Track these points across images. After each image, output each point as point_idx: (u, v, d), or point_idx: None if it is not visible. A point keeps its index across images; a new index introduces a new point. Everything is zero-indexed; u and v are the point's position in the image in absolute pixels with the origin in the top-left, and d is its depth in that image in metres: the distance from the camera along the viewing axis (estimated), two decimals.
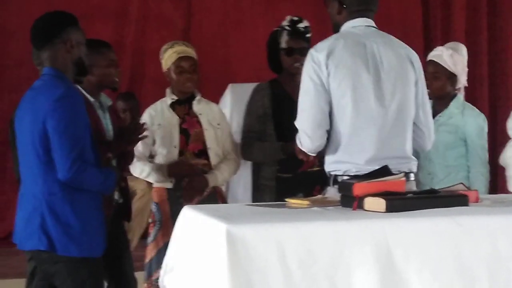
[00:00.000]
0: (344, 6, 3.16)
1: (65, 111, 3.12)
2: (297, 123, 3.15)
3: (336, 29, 3.22)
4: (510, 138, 4.04)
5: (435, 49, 4.39)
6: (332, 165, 3.12)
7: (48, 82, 3.22)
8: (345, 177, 3.02)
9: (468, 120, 4.23)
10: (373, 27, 3.19)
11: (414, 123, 3.18)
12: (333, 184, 3.09)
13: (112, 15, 5.87)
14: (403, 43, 3.23)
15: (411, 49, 3.23)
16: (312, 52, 3.11)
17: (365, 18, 3.16)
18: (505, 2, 6.31)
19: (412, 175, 3.15)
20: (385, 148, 3.06)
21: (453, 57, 4.29)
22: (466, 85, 4.36)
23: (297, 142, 3.18)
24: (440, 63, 4.25)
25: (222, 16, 6.03)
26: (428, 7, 6.32)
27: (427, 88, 4.14)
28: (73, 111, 3.14)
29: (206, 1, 6.01)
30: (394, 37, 3.22)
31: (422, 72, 3.23)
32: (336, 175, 3.09)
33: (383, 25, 6.23)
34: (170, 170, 4.03)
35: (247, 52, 5.93)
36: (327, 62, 3.04)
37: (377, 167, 2.95)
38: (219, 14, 6.02)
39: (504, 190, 4.20)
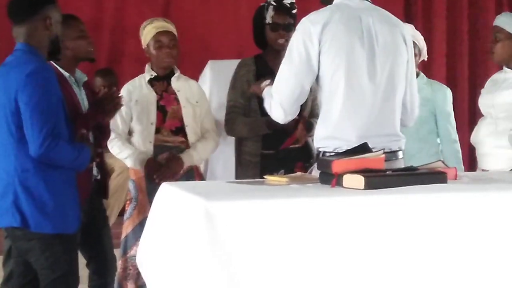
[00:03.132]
0: None
1: (37, 86, 3.09)
2: (274, 92, 3.07)
3: (325, 1, 3.14)
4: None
5: None
6: (322, 141, 3.06)
7: (20, 57, 3.19)
8: (333, 154, 2.96)
9: (437, 92, 4.36)
10: (368, 1, 3.12)
11: None
12: None
13: None
14: (398, 19, 3.18)
15: (404, 26, 3.20)
16: (305, 22, 3.02)
17: None
18: None
19: (401, 153, 3.12)
20: (376, 125, 3.03)
21: (416, 32, 4.35)
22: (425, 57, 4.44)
23: (267, 107, 3.12)
24: (414, 40, 4.29)
25: None
26: None
27: None
28: (44, 86, 3.11)
29: None
30: (389, 13, 3.17)
31: (413, 50, 3.20)
32: (325, 152, 3.03)
33: None
34: (146, 167, 4.00)
35: (228, 29, 5.90)
36: (321, 36, 2.96)
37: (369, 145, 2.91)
38: None
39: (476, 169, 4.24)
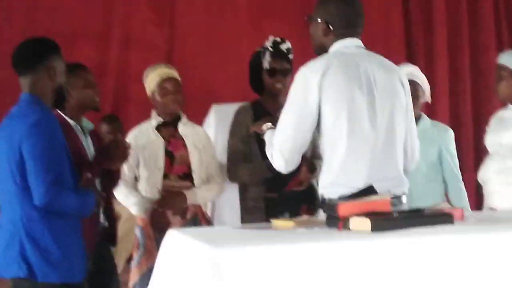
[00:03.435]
0: (331, 27, 3.12)
1: (41, 136, 3.11)
2: (275, 142, 3.06)
3: (319, 50, 3.17)
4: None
5: (403, 69, 4.44)
6: (327, 188, 3.03)
7: (24, 108, 3.21)
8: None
9: (442, 133, 4.38)
10: (363, 47, 3.15)
11: None
12: None
13: (95, 37, 5.85)
14: (394, 64, 3.20)
15: (400, 70, 3.22)
16: (304, 71, 3.03)
17: (354, 39, 3.13)
18: (485, 17, 6.35)
19: (404, 197, 3.09)
20: (380, 169, 3.01)
21: (421, 74, 4.38)
22: (429, 100, 4.46)
23: (268, 155, 3.10)
24: (419, 82, 4.32)
25: (205, 38, 6.03)
26: (409, 25, 6.36)
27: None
28: (49, 135, 3.13)
29: (189, 23, 6.01)
30: (385, 58, 3.19)
31: (410, 94, 3.21)
32: (330, 199, 2.98)
33: (365, 42, 6.27)
34: (151, 219, 4.01)
35: (230, 73, 5.92)
36: (321, 84, 2.97)
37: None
38: (201, 35, 6.02)
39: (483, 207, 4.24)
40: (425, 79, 4.42)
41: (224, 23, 6.09)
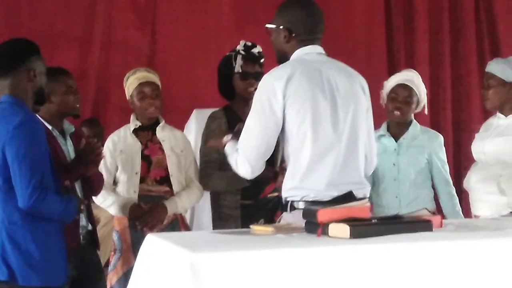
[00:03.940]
0: (293, 34, 3.17)
1: (24, 138, 3.09)
2: (240, 148, 3.11)
3: (281, 57, 3.23)
4: (473, 162, 4.08)
5: (402, 73, 4.44)
6: (290, 191, 3.11)
7: (5, 110, 3.19)
8: (301, 203, 3.04)
9: (432, 139, 4.37)
10: (324, 54, 3.21)
11: None
12: (290, 210, 3.09)
13: (76, 41, 5.82)
14: (354, 70, 3.27)
15: (361, 76, 3.28)
16: (268, 78, 3.09)
17: (315, 45, 3.19)
18: (467, 26, 6.39)
19: (366, 200, 3.16)
20: (342, 173, 3.08)
21: (421, 82, 4.37)
22: (426, 111, 4.44)
23: (232, 163, 3.15)
24: (413, 87, 4.32)
25: (187, 42, 6.02)
26: (391, 32, 6.39)
27: (398, 111, 4.26)
28: (32, 138, 3.12)
29: (171, 27, 6.00)
30: (345, 64, 3.26)
31: (370, 99, 3.27)
32: (292, 201, 3.08)
33: (347, 50, 6.31)
34: (130, 214, 3.99)
35: (213, 77, 5.91)
36: (285, 90, 3.03)
37: (335, 193, 3.02)
38: (184, 39, 6.01)
39: (469, 214, 4.24)
40: (423, 88, 4.38)
41: (206, 27, 6.08)
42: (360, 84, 3.21)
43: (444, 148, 4.41)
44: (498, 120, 3.97)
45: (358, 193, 3.10)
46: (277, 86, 3.04)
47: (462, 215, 4.37)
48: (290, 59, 3.18)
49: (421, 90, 4.36)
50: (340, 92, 3.11)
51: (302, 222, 2.81)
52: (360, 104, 3.17)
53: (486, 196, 3.85)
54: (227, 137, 3.26)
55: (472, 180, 3.95)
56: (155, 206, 3.98)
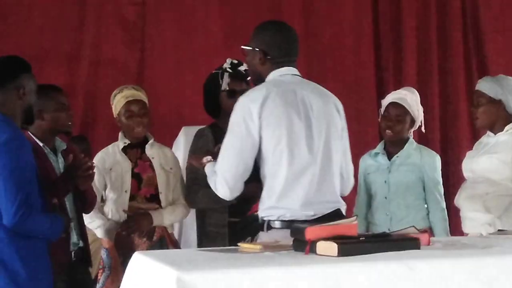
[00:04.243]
0: (268, 57, 3.21)
1: (11, 156, 3.09)
2: (218, 170, 3.16)
3: (256, 78, 3.28)
4: (463, 180, 4.09)
5: (396, 92, 4.46)
6: (267, 211, 3.16)
7: None
8: (278, 223, 3.10)
9: (426, 158, 4.35)
10: (298, 75, 3.25)
11: None
12: (267, 230, 3.13)
13: (64, 58, 5.82)
14: (328, 91, 3.31)
15: (335, 97, 3.31)
16: (244, 101, 3.14)
17: (290, 67, 3.24)
18: (454, 45, 6.42)
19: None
20: (318, 193, 3.13)
21: (415, 100, 4.38)
22: (423, 128, 4.44)
23: (211, 184, 3.20)
24: (405, 106, 4.32)
25: (176, 60, 6.02)
26: (380, 49, 6.42)
27: (389, 129, 4.26)
28: (19, 155, 3.11)
29: (160, 45, 6.00)
30: (319, 85, 3.30)
31: (345, 120, 3.30)
32: (269, 221, 3.13)
33: (336, 67, 6.32)
34: (116, 242, 3.98)
35: (201, 96, 5.93)
36: (260, 112, 3.08)
37: (311, 212, 3.07)
38: (173, 57, 6.01)
39: (458, 231, 4.24)
40: (418, 105, 4.38)
41: (195, 45, 6.09)
42: (334, 104, 3.26)
43: (439, 168, 4.38)
44: (488, 139, 3.98)
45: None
46: (252, 108, 3.09)
47: (450, 235, 4.35)
48: (266, 80, 3.22)
49: (414, 108, 4.35)
50: (314, 113, 3.16)
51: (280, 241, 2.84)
52: (334, 124, 3.21)
53: (473, 214, 3.86)
54: (206, 159, 3.30)
55: (461, 198, 3.96)
56: (140, 214, 3.97)
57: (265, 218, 3.15)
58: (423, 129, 4.45)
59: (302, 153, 3.11)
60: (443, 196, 4.37)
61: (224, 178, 3.13)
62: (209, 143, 3.99)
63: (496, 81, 3.93)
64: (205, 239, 3.99)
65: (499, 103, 3.89)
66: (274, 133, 3.09)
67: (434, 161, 4.38)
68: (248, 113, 3.09)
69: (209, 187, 3.89)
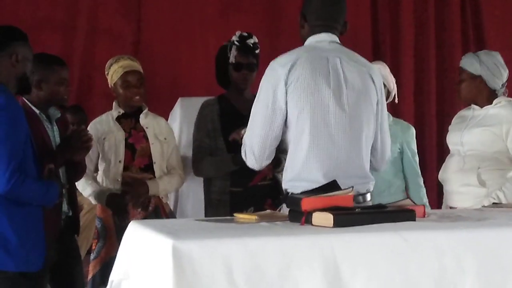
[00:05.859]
0: (307, 21, 3.15)
1: (3, 123, 3.08)
2: (246, 138, 3.08)
3: (304, 42, 3.19)
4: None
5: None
6: (290, 182, 3.05)
7: None
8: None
9: (405, 131, 4.43)
10: (337, 43, 3.14)
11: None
12: None
13: (60, 28, 5.79)
14: (367, 61, 3.19)
15: (374, 67, 3.22)
16: (273, 65, 3.05)
17: (329, 33, 3.13)
18: (452, 20, 6.41)
19: (369, 195, 3.11)
20: (344, 166, 3.02)
21: (389, 72, 4.40)
22: (396, 100, 4.45)
23: (242, 154, 3.13)
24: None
25: (172, 30, 6.00)
26: (377, 24, 6.39)
27: None
28: (12, 122, 3.10)
29: (156, 15, 5.97)
30: (358, 55, 3.19)
31: (383, 91, 3.22)
32: (293, 193, 2.97)
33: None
34: (108, 202, 3.98)
35: (197, 66, 5.90)
36: (287, 77, 2.98)
37: None
38: (169, 27, 5.98)
39: (441, 206, 4.28)
40: (391, 78, 4.42)
41: (191, 16, 6.06)
42: (371, 76, 3.12)
43: (415, 140, 4.47)
44: (473, 111, 4.03)
45: (361, 188, 3.03)
46: (280, 72, 2.99)
47: (429, 206, 4.40)
48: (304, 45, 3.15)
49: (389, 80, 4.38)
50: (348, 81, 3.04)
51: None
52: (369, 96, 3.09)
53: (463, 188, 3.88)
54: (244, 130, 3.21)
55: (449, 172, 3.99)
56: (136, 182, 3.96)
57: (288, 190, 3.03)
58: (396, 101, 4.46)
59: (328, 124, 2.99)
60: (418, 166, 4.46)
61: (250, 148, 3.04)
62: (214, 112, 4.00)
63: (475, 57, 4.02)
64: (209, 207, 4.01)
65: (479, 79, 3.98)
66: (298, 101, 2.97)
67: (412, 133, 4.47)
68: (276, 78, 2.99)
69: (213, 155, 3.94)
